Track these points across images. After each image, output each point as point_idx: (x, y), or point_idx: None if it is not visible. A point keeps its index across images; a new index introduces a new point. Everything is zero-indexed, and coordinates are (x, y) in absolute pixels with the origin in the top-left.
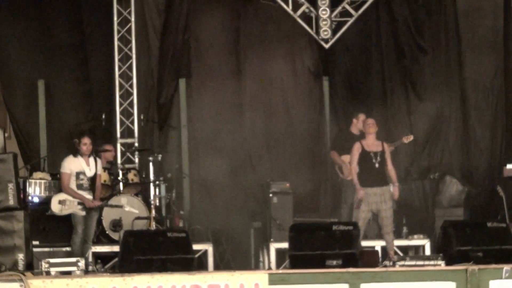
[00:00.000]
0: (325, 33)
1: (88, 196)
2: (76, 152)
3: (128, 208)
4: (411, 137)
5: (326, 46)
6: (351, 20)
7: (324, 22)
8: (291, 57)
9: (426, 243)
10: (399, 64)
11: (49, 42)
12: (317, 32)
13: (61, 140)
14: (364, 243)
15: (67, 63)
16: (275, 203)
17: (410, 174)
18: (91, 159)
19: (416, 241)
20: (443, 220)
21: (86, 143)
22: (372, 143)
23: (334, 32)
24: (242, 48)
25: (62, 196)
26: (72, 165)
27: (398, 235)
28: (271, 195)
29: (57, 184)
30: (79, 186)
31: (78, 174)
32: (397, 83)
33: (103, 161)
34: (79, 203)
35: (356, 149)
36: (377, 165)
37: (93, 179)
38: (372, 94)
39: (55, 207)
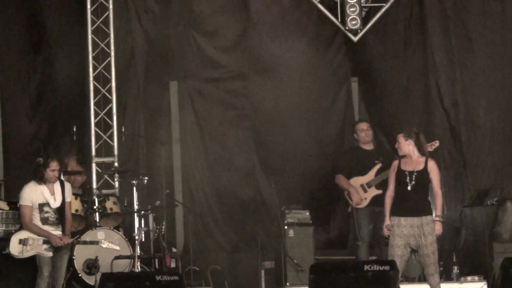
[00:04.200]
0: (354, 22)
1: (55, 232)
2: (40, 178)
3: (107, 245)
4: (436, 144)
5: (355, 39)
6: (386, 6)
7: (352, 9)
8: (311, 54)
9: (482, 287)
10: (447, 64)
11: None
12: (343, 22)
13: (20, 160)
14: None
15: (23, 65)
16: (291, 237)
17: (461, 198)
18: (57, 185)
19: (469, 285)
20: (504, 257)
21: (54, 169)
22: (410, 161)
23: (365, 21)
24: (250, 43)
25: (23, 234)
26: (33, 195)
27: (446, 276)
28: (286, 227)
29: (16, 215)
30: (44, 221)
31: (41, 206)
32: (443, 86)
33: (75, 185)
34: (44, 242)
35: (392, 168)
36: (409, 188)
37: (60, 210)
38: (412, 99)
39: (15, 248)
